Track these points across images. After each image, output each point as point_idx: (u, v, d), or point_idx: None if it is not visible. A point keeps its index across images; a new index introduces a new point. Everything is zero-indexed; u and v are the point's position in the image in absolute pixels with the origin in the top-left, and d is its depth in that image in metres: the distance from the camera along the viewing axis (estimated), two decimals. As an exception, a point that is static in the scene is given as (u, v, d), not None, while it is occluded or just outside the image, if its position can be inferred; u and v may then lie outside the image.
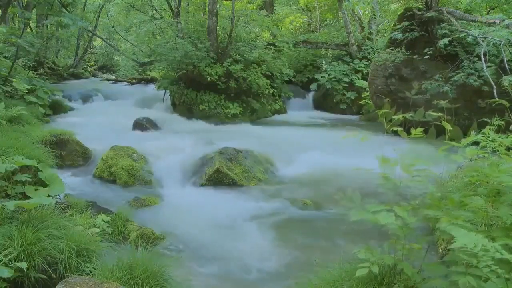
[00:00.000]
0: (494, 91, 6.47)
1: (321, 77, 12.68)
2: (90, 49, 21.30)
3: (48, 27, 15.38)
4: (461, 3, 10.32)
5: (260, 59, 11.26)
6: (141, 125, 8.82)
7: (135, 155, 5.98)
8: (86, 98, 12.43)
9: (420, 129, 2.51)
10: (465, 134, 2.97)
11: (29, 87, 8.69)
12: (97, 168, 5.84)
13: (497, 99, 3.75)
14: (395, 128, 2.65)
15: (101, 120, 9.66)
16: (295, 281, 2.87)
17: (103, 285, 2.33)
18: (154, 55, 12.01)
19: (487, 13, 9.70)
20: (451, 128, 2.60)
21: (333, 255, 3.50)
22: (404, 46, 8.88)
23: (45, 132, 6.05)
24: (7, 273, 2.39)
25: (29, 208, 3.01)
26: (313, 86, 13.11)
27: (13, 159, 3.71)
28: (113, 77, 18.00)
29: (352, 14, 15.34)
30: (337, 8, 14.72)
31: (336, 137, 8.30)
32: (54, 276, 2.66)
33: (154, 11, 14.09)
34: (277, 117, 11.79)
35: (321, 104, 12.91)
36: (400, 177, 2.33)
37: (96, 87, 13.62)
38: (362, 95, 11.61)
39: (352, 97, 12.30)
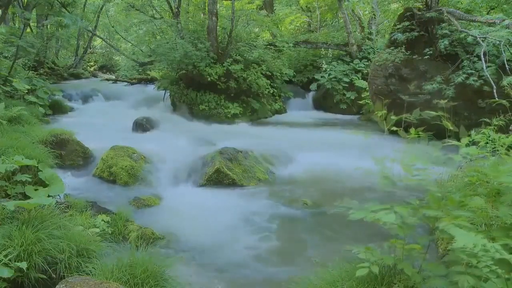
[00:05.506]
0: (494, 91, 6.46)
1: (321, 77, 12.67)
2: (90, 49, 21.29)
3: (48, 27, 15.36)
4: (461, 3, 10.30)
5: (260, 59, 11.26)
6: (141, 125, 8.82)
7: (135, 155, 5.98)
8: (86, 98, 12.45)
9: (420, 129, 2.52)
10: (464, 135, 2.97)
11: (29, 87, 8.71)
12: (97, 168, 5.84)
13: (497, 99, 3.75)
14: (394, 128, 2.66)
15: (101, 120, 9.68)
16: (295, 281, 2.86)
17: (103, 285, 2.33)
18: (154, 55, 12.00)
19: (487, 13, 9.68)
20: (452, 128, 2.61)
21: (333, 255, 3.50)
22: (404, 46, 8.87)
23: (45, 132, 6.05)
24: (7, 273, 2.39)
25: (29, 208, 3.01)
26: (313, 86, 13.11)
27: (13, 159, 3.72)
28: (113, 77, 17.97)
29: (352, 14, 15.33)
30: (337, 8, 14.71)
31: (336, 137, 8.32)
32: (54, 276, 2.66)
33: (154, 11, 14.08)
34: (277, 117, 11.80)
35: (321, 104, 12.91)
36: (400, 177, 2.32)
37: (96, 87, 13.62)
38: (362, 95, 11.61)
39: (352, 97, 12.29)
